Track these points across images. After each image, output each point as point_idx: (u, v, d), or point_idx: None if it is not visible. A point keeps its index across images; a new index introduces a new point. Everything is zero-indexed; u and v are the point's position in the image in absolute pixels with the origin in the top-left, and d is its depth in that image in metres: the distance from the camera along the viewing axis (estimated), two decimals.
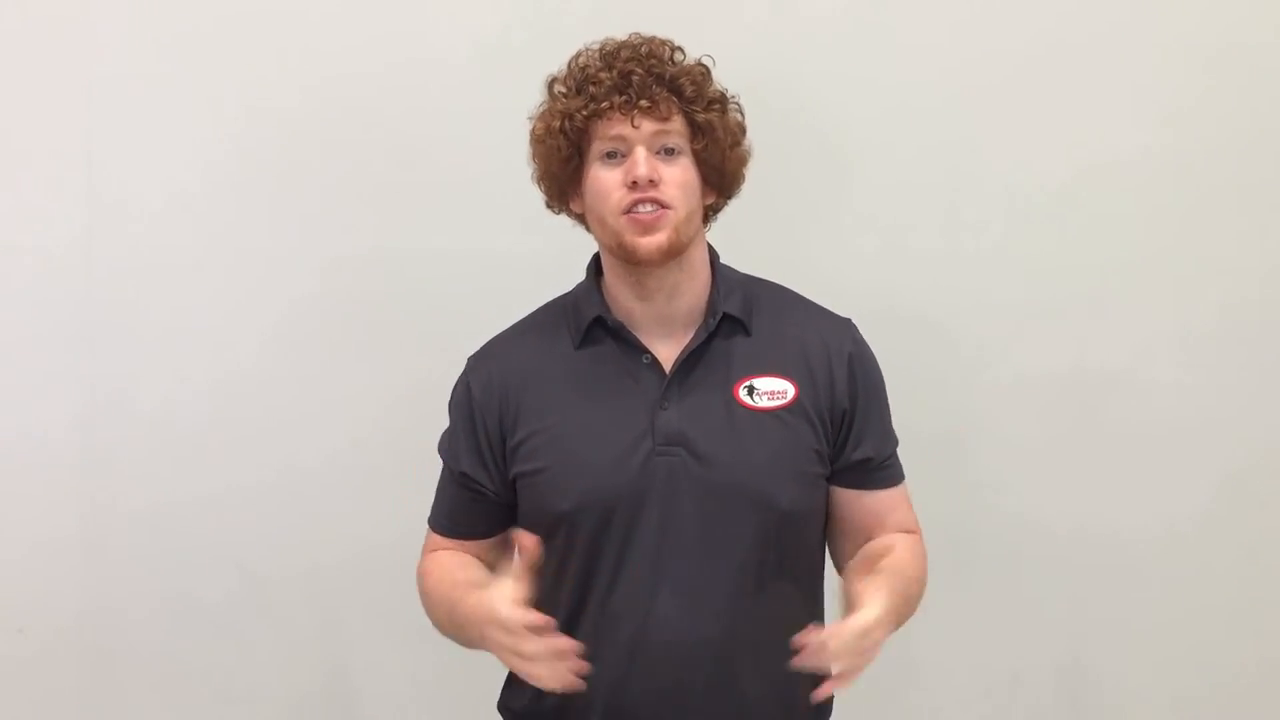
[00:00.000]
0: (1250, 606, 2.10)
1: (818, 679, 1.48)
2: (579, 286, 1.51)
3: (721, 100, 1.43)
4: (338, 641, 2.07)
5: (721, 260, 1.50)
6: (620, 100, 1.36)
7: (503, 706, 1.55)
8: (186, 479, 2.03)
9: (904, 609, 1.39)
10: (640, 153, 1.37)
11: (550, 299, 1.55)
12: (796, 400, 1.42)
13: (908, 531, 1.50)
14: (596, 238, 1.45)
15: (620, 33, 1.43)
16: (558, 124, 1.40)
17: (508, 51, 1.97)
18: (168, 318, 2.02)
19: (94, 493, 2.03)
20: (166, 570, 2.04)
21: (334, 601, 2.06)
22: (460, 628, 1.39)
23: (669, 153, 1.39)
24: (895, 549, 1.44)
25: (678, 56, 1.42)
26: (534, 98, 1.46)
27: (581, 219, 1.48)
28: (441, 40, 1.99)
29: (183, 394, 2.02)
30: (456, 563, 1.49)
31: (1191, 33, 2.01)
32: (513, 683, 1.53)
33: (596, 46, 1.42)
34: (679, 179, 1.39)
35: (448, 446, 1.51)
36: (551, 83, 1.44)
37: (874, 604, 1.27)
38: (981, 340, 2.04)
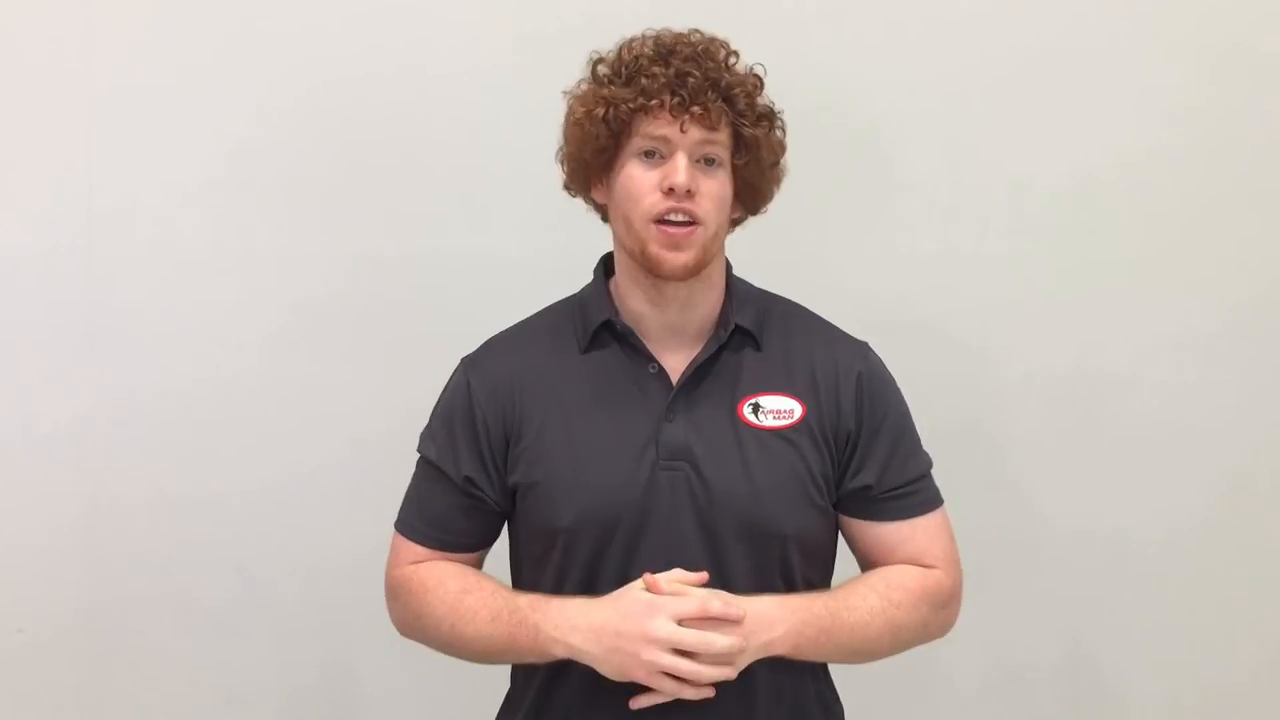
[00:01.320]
0: (1251, 607, 2.08)
1: (827, 697, 1.46)
2: (586, 288, 1.46)
3: (770, 116, 1.39)
4: (337, 642, 2.06)
5: (734, 271, 1.46)
6: (673, 101, 1.30)
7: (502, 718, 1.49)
8: (187, 480, 2.02)
9: (821, 639, 1.32)
10: (682, 160, 1.31)
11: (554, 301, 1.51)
12: (803, 420, 1.37)
13: (922, 565, 1.40)
14: (617, 236, 1.40)
15: (625, 35, 1.39)
16: (601, 111, 1.33)
17: (514, 55, 1.97)
18: (168, 318, 2.01)
19: (95, 493, 2.03)
20: (167, 570, 2.03)
21: (334, 602, 2.04)
22: (519, 627, 1.31)
23: (709, 163, 1.34)
24: (863, 577, 1.40)
25: (731, 60, 1.37)
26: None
27: (601, 209, 1.43)
28: (446, 43, 1.99)
29: (183, 395, 2.02)
30: (470, 571, 1.42)
31: (1196, 34, 2.02)
32: (513, 696, 1.48)
33: (651, 35, 1.36)
34: (715, 193, 1.34)
35: (444, 451, 1.42)
36: (596, 63, 1.38)
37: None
38: (984, 341, 2.04)
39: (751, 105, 1.35)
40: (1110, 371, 2.05)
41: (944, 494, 1.48)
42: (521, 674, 1.45)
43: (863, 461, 1.40)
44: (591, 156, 1.36)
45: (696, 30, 1.37)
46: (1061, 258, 2.03)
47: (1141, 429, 2.06)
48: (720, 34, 1.39)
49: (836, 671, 1.48)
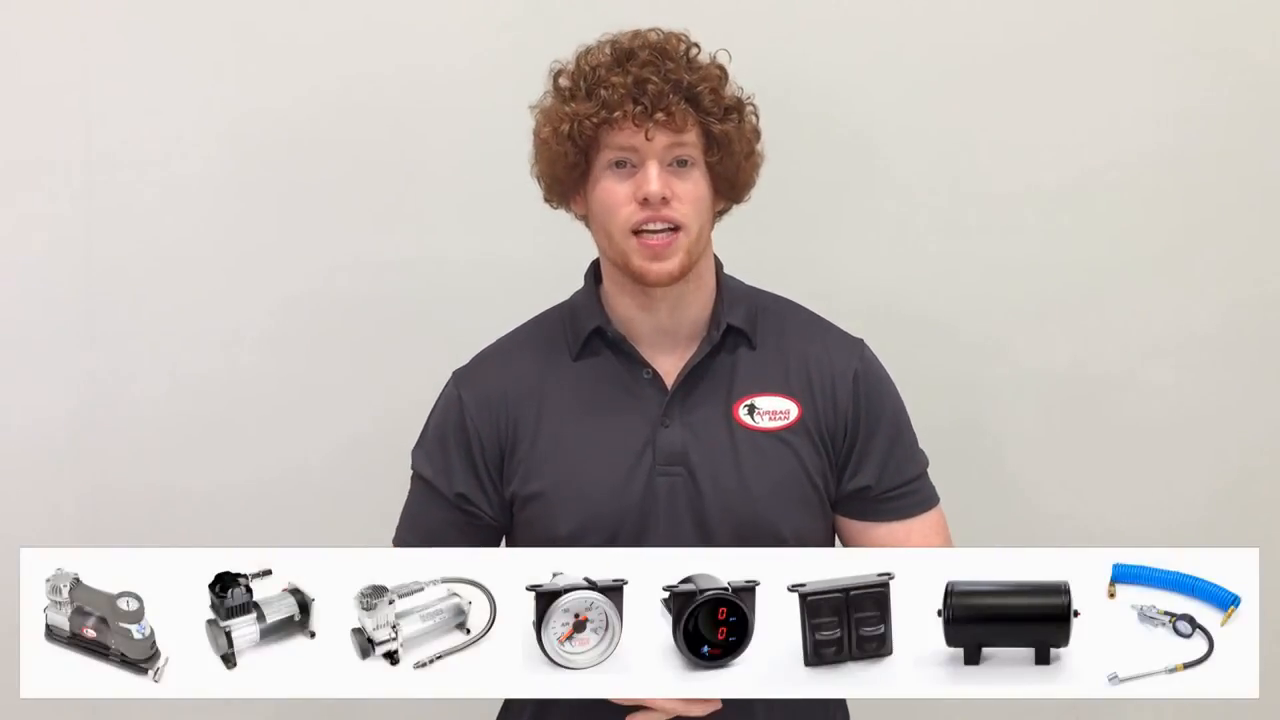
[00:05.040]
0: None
1: (828, 705, 1.44)
2: (576, 295, 1.44)
3: (738, 106, 1.35)
4: None
5: (725, 269, 1.44)
6: (635, 110, 1.28)
7: None
8: (183, 477, 2.02)
9: None
10: (653, 169, 1.29)
11: (547, 307, 1.49)
12: (799, 420, 1.36)
13: None
14: (600, 248, 1.39)
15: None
16: (566, 129, 1.31)
17: (510, 55, 1.94)
18: (166, 316, 2.01)
19: (92, 491, 2.03)
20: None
21: None
22: None
23: (681, 164, 1.31)
24: None
25: (693, 53, 1.34)
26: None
27: (583, 218, 1.41)
28: (442, 43, 1.97)
29: (180, 392, 2.01)
30: None
31: (1193, 33, 1.98)
32: (510, 705, 1.47)
33: (607, 41, 1.34)
34: (691, 194, 1.31)
35: (437, 467, 1.41)
36: (557, 75, 1.36)
37: None
38: (981, 340, 2.01)
39: (718, 101, 1.32)
40: (1109, 371, 2.03)
41: (942, 493, 1.46)
42: None
43: (860, 462, 1.38)
44: (564, 173, 1.35)
45: (655, 29, 1.35)
46: (1059, 256, 2.01)
47: (1138, 428, 2.04)
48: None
49: None
